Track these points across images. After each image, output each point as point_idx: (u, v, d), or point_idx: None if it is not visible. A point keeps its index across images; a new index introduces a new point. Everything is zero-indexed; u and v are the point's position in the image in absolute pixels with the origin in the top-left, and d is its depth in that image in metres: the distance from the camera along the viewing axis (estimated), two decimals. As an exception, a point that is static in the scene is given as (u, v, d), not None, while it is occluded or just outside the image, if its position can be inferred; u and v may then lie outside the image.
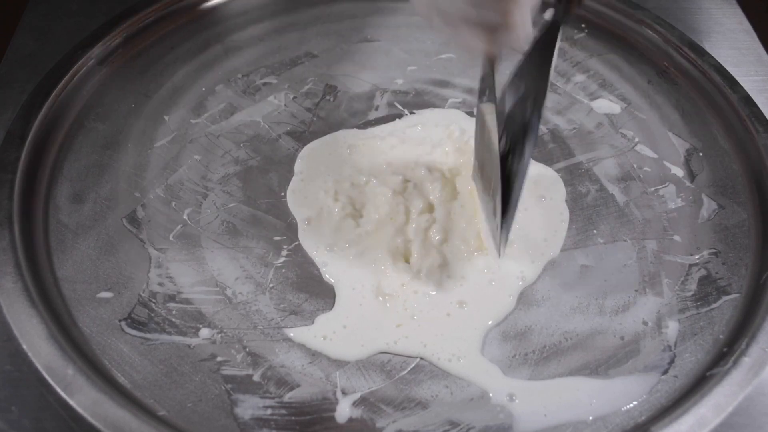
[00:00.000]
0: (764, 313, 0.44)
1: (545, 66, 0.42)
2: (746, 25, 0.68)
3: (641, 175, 0.55)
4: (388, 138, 0.57)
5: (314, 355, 0.44)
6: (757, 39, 0.66)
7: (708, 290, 0.47)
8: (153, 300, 0.46)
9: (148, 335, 0.44)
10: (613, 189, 0.54)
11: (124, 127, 0.57)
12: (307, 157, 0.55)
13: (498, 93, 0.44)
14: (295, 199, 0.52)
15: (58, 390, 0.40)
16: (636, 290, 0.48)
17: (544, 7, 0.68)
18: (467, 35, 0.36)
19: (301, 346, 0.44)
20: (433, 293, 0.47)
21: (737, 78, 0.59)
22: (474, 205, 0.51)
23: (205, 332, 0.45)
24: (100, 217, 0.50)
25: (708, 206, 0.52)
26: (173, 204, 0.52)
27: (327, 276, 0.48)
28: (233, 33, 0.65)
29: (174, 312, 0.46)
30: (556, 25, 0.42)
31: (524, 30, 0.36)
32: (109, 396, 0.39)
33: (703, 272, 0.49)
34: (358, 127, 0.58)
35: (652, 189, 0.54)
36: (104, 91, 0.59)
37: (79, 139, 0.55)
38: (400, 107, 0.60)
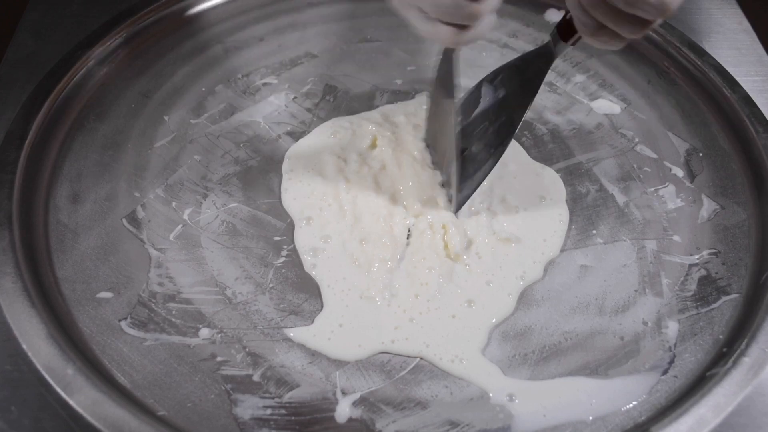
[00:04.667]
0: (764, 313, 0.44)
1: (532, 87, 0.47)
2: (746, 25, 0.68)
3: (641, 176, 0.55)
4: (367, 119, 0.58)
5: (314, 355, 0.44)
6: (757, 39, 0.66)
7: (708, 290, 0.47)
8: (153, 300, 0.46)
9: (147, 335, 0.44)
10: (613, 189, 0.54)
11: (124, 127, 0.57)
12: (293, 156, 0.55)
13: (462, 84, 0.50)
14: (287, 199, 0.52)
15: (58, 390, 0.40)
16: (636, 290, 0.48)
17: (542, 7, 0.68)
18: (441, 30, 0.40)
19: (301, 346, 0.44)
20: (437, 294, 0.47)
21: (737, 78, 0.58)
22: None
23: (204, 332, 0.45)
24: (100, 217, 0.50)
25: (708, 206, 0.52)
26: (173, 204, 0.52)
27: (315, 276, 0.48)
28: (233, 33, 0.65)
29: (174, 312, 0.46)
30: (551, 56, 0.46)
31: (488, 26, 0.40)
32: (109, 396, 0.39)
33: (702, 272, 0.48)
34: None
35: (652, 189, 0.54)
36: (104, 91, 0.59)
37: (79, 139, 0.55)
38: (400, 107, 0.60)
